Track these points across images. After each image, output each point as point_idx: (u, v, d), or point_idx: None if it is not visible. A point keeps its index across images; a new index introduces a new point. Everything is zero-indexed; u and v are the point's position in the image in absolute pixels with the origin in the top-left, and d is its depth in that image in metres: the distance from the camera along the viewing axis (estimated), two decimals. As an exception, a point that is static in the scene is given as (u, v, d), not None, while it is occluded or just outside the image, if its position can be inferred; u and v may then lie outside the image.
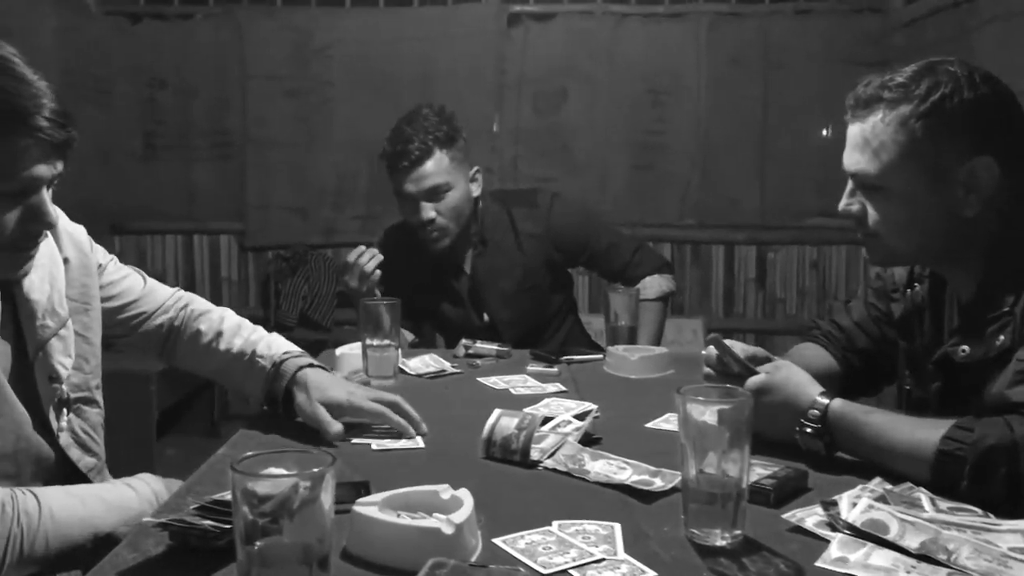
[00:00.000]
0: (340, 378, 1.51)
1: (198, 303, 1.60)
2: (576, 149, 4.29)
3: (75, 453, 1.30)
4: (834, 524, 1.01)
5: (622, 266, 2.38)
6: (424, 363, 1.93)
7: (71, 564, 1.16)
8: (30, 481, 1.22)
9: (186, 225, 4.39)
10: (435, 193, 2.20)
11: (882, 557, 0.92)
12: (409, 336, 2.34)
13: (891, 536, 0.95)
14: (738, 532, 1.01)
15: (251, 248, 4.39)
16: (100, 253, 1.45)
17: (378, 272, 2.04)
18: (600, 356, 2.03)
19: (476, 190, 2.32)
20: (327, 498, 0.81)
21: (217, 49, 4.29)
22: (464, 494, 1.03)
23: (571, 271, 2.51)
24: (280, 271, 4.28)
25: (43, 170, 1.12)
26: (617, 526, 1.04)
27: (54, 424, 1.27)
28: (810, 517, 1.05)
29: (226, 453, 1.35)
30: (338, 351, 1.90)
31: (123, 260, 1.56)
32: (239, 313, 1.62)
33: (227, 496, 1.02)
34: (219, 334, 1.54)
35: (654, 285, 2.36)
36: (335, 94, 4.30)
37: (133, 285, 1.52)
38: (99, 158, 4.09)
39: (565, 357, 1.98)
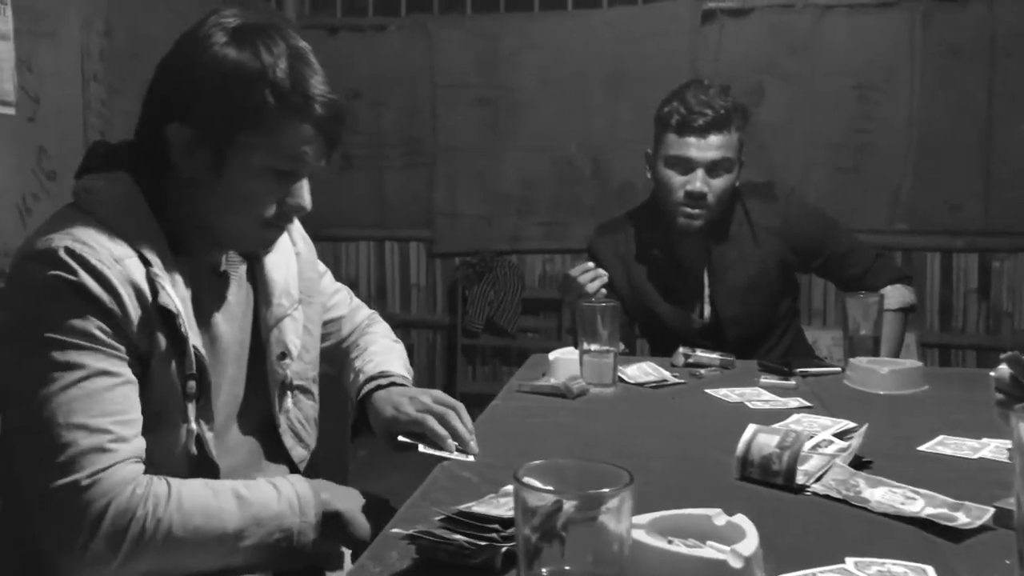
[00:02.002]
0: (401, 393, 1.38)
1: (376, 325, 1.57)
2: (774, 149, 4.04)
3: (289, 441, 1.27)
4: None
5: (861, 273, 2.14)
6: (643, 371, 1.80)
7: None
8: (243, 467, 1.20)
9: (378, 232, 4.48)
10: (715, 167, 2.05)
11: None
12: (620, 345, 2.22)
13: None
14: (1093, 588, 0.81)
15: (439, 255, 4.43)
16: (320, 263, 1.45)
17: (603, 292, 1.91)
18: (837, 369, 1.83)
19: (737, 182, 2.15)
20: (615, 522, 0.70)
21: (408, 59, 4.36)
22: (743, 521, 0.89)
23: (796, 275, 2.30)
24: (467, 277, 4.29)
25: (313, 160, 1.12)
26: (930, 569, 0.87)
27: (276, 405, 1.24)
28: None
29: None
30: (552, 355, 1.81)
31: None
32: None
33: (476, 508, 0.94)
34: (356, 346, 1.51)
35: (896, 295, 2.11)
36: (522, 99, 4.27)
37: (342, 301, 1.53)
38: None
39: (799, 369, 1.80)
